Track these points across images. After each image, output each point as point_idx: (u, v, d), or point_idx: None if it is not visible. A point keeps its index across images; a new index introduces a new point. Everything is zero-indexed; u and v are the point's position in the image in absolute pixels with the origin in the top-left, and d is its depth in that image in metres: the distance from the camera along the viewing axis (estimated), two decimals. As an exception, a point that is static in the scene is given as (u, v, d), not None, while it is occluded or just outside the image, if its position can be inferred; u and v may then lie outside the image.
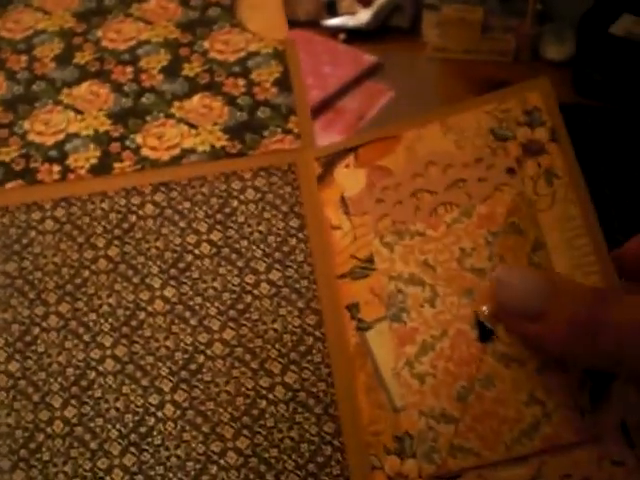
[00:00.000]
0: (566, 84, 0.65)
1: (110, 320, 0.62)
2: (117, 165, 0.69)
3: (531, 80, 0.64)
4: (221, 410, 0.60)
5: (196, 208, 0.66)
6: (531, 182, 0.61)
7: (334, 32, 0.69)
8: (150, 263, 0.64)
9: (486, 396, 0.57)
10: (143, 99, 0.73)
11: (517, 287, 0.54)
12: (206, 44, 0.75)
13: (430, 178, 0.64)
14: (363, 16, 0.69)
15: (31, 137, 0.71)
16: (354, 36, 0.69)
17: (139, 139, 0.70)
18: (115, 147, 0.70)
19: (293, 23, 0.70)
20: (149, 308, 0.63)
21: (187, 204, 0.66)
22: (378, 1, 0.70)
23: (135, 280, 0.64)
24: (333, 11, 0.70)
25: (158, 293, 0.63)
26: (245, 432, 0.59)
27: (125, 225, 0.66)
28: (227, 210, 0.66)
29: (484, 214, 0.61)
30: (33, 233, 0.65)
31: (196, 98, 0.73)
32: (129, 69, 0.74)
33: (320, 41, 0.69)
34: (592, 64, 0.70)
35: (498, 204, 0.61)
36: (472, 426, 0.56)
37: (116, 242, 0.65)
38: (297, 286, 0.63)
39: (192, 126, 0.71)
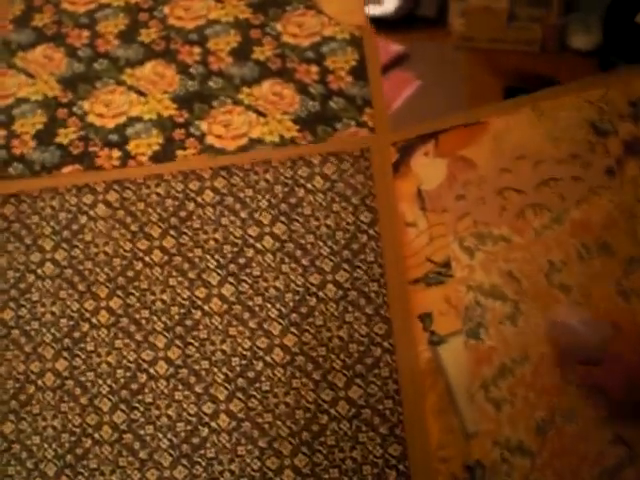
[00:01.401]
0: (592, 73, 0.61)
1: (164, 318, 0.58)
2: (180, 153, 0.64)
3: (636, 67, 0.59)
4: (279, 423, 0.54)
5: (259, 196, 0.61)
6: (632, 187, 0.55)
7: None
8: (208, 257, 0.59)
9: (567, 431, 0.51)
10: (210, 83, 0.67)
11: (577, 331, 0.49)
12: (279, 26, 0.70)
13: (519, 174, 0.58)
14: (390, 5, 0.66)
15: (91, 119, 0.67)
16: (381, 25, 0.65)
17: (204, 126, 0.65)
18: (179, 134, 0.65)
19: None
20: (205, 307, 0.58)
21: (249, 191, 0.61)
22: (404, -9, 0.67)
23: (191, 275, 0.59)
24: None
25: (215, 291, 0.58)
26: (304, 449, 0.54)
27: (182, 213, 0.61)
28: (292, 200, 0.60)
29: (578, 221, 0.55)
30: (84, 219, 0.61)
31: (266, 84, 0.67)
32: (197, 50, 0.69)
33: None
34: (618, 53, 0.67)
35: (594, 211, 0.55)
36: (550, 462, 0.51)
37: (172, 232, 0.60)
38: (366, 290, 0.57)
39: (261, 114, 0.66)
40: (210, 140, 0.65)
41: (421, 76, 0.65)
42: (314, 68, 0.68)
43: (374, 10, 0.67)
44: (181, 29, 0.71)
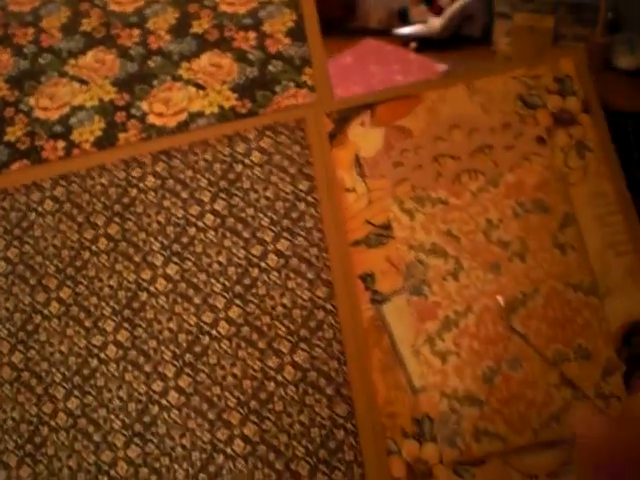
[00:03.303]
0: (638, 93, 0.60)
1: (111, 303, 0.58)
2: (122, 135, 0.65)
3: (564, 47, 0.61)
4: (227, 395, 0.55)
5: (199, 176, 0.61)
6: (562, 154, 0.57)
7: (405, 41, 0.65)
8: (152, 239, 0.60)
9: (513, 377, 0.52)
10: (150, 62, 0.68)
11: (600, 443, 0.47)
12: (216, -3, 0.70)
13: (454, 142, 0.59)
14: (435, 25, 0.65)
15: (36, 113, 0.67)
16: (425, 45, 0.64)
17: (145, 106, 0.66)
18: (120, 116, 0.66)
19: (365, 31, 0.66)
20: (151, 288, 0.58)
21: (189, 172, 0.61)
22: (450, 10, 0.65)
23: (136, 259, 0.59)
24: (405, 20, 0.66)
25: (160, 271, 0.59)
26: (253, 418, 0.54)
27: (125, 200, 0.61)
28: (231, 176, 0.61)
29: (512, 183, 0.56)
30: (33, 215, 0.62)
31: (205, 57, 0.67)
32: (136, 32, 0.70)
33: (391, 50, 0.65)
34: None
35: (527, 174, 0.56)
36: (498, 409, 0.51)
37: (116, 219, 0.61)
38: (307, 255, 0.57)
39: (200, 87, 0.66)
40: (151, 119, 0.65)
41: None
42: (252, 34, 0.68)
43: (419, 29, 0.66)
44: (121, 13, 0.71)
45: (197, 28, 0.69)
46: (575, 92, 0.59)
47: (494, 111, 0.59)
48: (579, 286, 0.53)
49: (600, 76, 0.62)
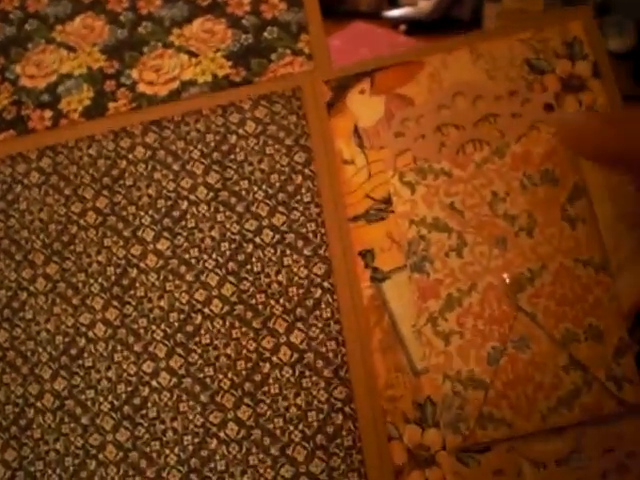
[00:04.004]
0: (627, 76, 0.59)
1: (100, 280, 0.56)
2: (112, 105, 0.62)
3: (572, 8, 0.58)
4: (220, 376, 0.53)
5: (191, 147, 0.58)
6: None
7: (395, 23, 0.62)
8: (142, 213, 0.57)
9: (520, 359, 0.49)
10: (140, 29, 0.65)
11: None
12: (209, -40, 0.66)
13: (457, 111, 0.56)
14: (424, 7, 0.63)
15: (23, 82, 0.65)
16: (415, 27, 0.62)
17: (135, 74, 0.63)
18: (110, 85, 0.63)
19: (354, 14, 0.63)
20: (141, 264, 0.56)
21: (181, 143, 0.59)
22: (439, -8, 0.63)
23: (126, 234, 0.57)
24: (394, 2, 0.63)
25: (151, 247, 0.56)
26: (247, 401, 0.52)
27: (114, 172, 0.59)
28: (225, 147, 0.58)
29: (519, 154, 0.53)
30: (19, 188, 0.60)
31: (197, 22, 0.64)
32: (126, -4, 0.67)
33: (381, 33, 0.63)
34: None
35: (534, 144, 0.53)
36: (504, 393, 0.49)
37: (105, 192, 0.58)
38: (303, 231, 0.55)
39: (192, 55, 0.63)
40: (141, 88, 0.62)
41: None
42: (246, -1, 0.65)
43: (408, 12, 0.64)
44: (111, -23, 0.68)
45: (189, -8, 0.66)
46: (585, 56, 0.56)
47: (499, 77, 0.56)
48: (589, 262, 0.50)
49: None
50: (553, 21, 0.58)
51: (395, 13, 0.64)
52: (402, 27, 0.63)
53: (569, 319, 0.49)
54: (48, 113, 0.63)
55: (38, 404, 0.54)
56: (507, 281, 0.51)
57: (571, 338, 0.49)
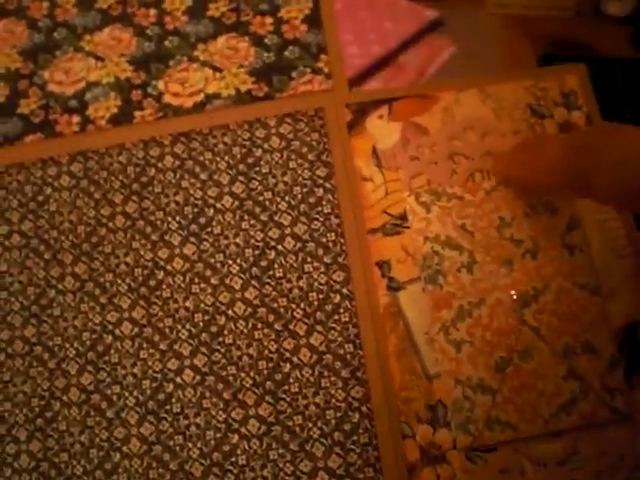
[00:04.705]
0: (627, 39, 0.62)
1: (127, 280, 0.59)
2: (138, 114, 0.65)
3: (568, 65, 0.63)
4: (243, 375, 0.56)
5: (218, 159, 0.62)
6: None
7: None
8: (169, 219, 0.60)
9: (524, 368, 0.53)
10: (166, 42, 0.68)
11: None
12: (234, -19, 0.70)
13: (467, 143, 0.60)
14: None
15: (51, 87, 0.67)
16: None
17: (161, 85, 0.66)
18: (136, 95, 0.66)
19: None
20: (168, 267, 0.59)
21: (209, 155, 0.62)
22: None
23: (154, 237, 0.60)
24: None
25: (177, 251, 0.59)
26: (268, 398, 0.55)
27: (143, 179, 0.62)
28: (250, 160, 0.61)
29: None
30: (49, 190, 0.62)
31: (221, 40, 0.67)
32: (152, 11, 0.70)
33: None
34: None
35: None
36: (510, 398, 0.53)
37: (134, 197, 0.61)
38: (324, 240, 0.58)
39: (217, 69, 0.66)
40: (167, 99, 0.65)
41: (455, 42, 0.66)
42: (269, 20, 0.68)
43: None
44: (136, -8, 0.71)
45: (214, 11, 0.69)
46: (579, 107, 0.61)
47: (505, 117, 0.61)
48: (585, 286, 0.55)
49: (589, 22, 0.65)
50: (552, 74, 0.63)
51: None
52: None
53: (568, 334, 0.54)
54: (76, 118, 0.65)
55: (64, 397, 0.57)
56: (514, 297, 0.55)
57: (570, 351, 0.54)
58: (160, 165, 0.62)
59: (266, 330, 0.56)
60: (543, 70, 0.63)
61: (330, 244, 0.58)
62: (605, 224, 0.57)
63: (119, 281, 0.59)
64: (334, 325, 0.56)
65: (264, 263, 0.58)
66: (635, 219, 0.57)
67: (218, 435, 0.55)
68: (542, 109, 0.61)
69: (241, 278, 0.58)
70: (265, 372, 0.56)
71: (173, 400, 0.56)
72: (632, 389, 0.53)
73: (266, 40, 0.67)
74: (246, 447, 0.54)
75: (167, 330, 0.57)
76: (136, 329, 0.58)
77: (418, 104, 0.62)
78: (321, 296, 0.57)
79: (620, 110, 0.62)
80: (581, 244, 0.56)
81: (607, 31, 0.65)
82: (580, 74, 0.62)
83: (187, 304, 0.58)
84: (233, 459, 0.54)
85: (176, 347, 0.57)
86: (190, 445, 0.55)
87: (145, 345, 0.57)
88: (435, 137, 0.61)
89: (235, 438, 0.54)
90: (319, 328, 0.56)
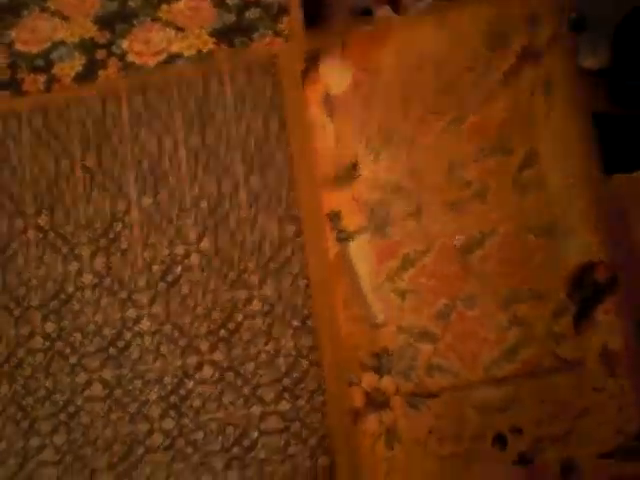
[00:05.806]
0: (601, 93, 0.62)
1: (87, 233, 0.60)
2: (102, 72, 0.66)
3: None
4: (197, 324, 0.58)
5: (174, 111, 0.63)
6: (527, 91, 0.57)
7: None
8: (127, 172, 0.61)
9: (468, 316, 0.54)
10: (130, 2, 0.69)
11: None
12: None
13: (421, 82, 0.59)
14: None
15: (17, 46, 0.68)
16: None
17: (125, 44, 0.67)
18: (101, 54, 0.67)
19: None
20: (125, 219, 0.60)
21: (164, 107, 0.63)
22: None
23: (112, 190, 0.61)
24: None
25: (134, 203, 0.61)
26: (221, 346, 0.57)
27: (101, 131, 0.63)
28: (205, 112, 0.62)
29: (476, 124, 0.57)
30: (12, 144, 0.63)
31: (183, 0, 0.69)
32: (116, -29, 0.71)
33: None
34: (627, 73, 0.70)
35: (491, 114, 0.57)
36: (452, 345, 0.54)
37: (92, 151, 0.62)
38: (276, 193, 0.60)
39: (179, 29, 0.67)
40: (131, 58, 0.66)
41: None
42: (229, -21, 0.69)
43: None
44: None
45: (175, -29, 0.70)
46: (544, 29, 0.58)
47: (461, 49, 0.59)
48: (536, 228, 0.55)
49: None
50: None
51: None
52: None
53: (514, 280, 0.54)
54: (41, 77, 0.66)
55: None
56: (458, 242, 0.55)
57: (515, 298, 0.54)
58: (117, 117, 0.63)
59: (220, 281, 0.58)
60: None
61: (283, 196, 0.59)
62: (565, 159, 0.55)
63: (79, 233, 0.60)
64: (285, 276, 0.58)
65: (219, 215, 0.60)
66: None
67: (175, 380, 0.57)
68: (502, 35, 0.58)
69: (196, 231, 0.59)
70: (219, 321, 0.57)
71: (131, 348, 0.58)
72: (579, 335, 0.53)
73: (227, 1, 0.68)
74: (201, 392, 0.56)
75: (127, 278, 0.59)
76: (96, 280, 0.59)
77: (370, 44, 0.61)
78: (273, 247, 0.58)
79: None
80: (535, 183, 0.55)
81: (584, 82, 0.61)
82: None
83: (145, 254, 0.59)
84: (189, 402, 0.56)
85: (134, 296, 0.59)
86: (148, 390, 0.57)
87: (105, 294, 0.59)
88: (387, 78, 0.60)
89: (191, 383, 0.56)
90: (271, 279, 0.58)
